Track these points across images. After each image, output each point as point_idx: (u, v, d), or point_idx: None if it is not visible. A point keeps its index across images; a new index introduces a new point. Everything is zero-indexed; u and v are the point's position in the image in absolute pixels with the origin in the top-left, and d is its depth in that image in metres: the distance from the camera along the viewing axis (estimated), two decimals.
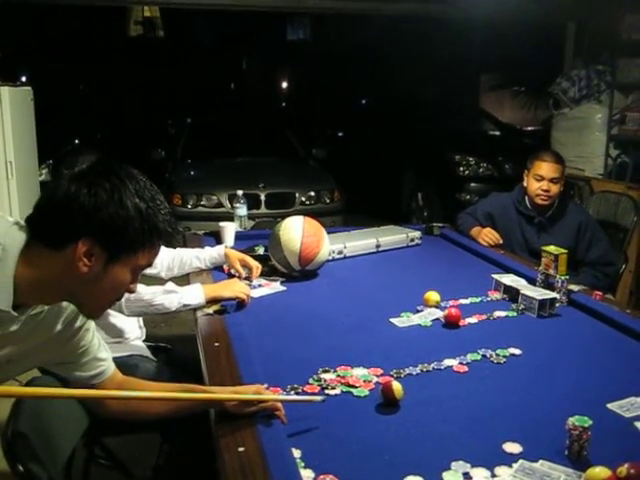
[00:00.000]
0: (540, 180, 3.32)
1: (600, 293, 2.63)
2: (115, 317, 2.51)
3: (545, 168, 3.33)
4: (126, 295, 2.27)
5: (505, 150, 7.01)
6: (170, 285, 2.48)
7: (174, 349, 2.81)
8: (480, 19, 6.80)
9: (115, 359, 2.46)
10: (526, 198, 3.43)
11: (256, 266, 2.82)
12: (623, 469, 1.41)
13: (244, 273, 2.80)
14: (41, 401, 1.80)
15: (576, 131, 6.00)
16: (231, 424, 1.58)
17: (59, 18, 10.13)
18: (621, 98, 5.80)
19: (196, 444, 2.32)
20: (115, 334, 2.54)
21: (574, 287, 2.64)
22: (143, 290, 2.38)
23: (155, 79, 12.31)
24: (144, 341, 2.70)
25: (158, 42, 14.18)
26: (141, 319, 2.68)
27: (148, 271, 2.80)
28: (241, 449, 1.46)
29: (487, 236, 3.42)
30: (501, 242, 3.41)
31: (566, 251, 2.63)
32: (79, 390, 1.64)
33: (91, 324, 1.66)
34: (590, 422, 1.52)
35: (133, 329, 2.61)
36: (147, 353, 2.60)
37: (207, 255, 2.89)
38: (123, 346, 2.55)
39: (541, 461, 1.50)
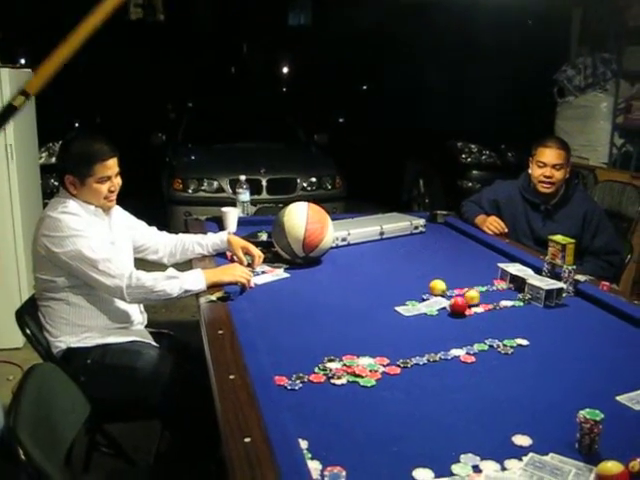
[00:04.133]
0: (543, 166, 3.29)
1: (607, 284, 2.61)
2: (114, 303, 2.49)
3: (548, 154, 3.29)
4: (127, 281, 2.25)
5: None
6: (171, 271, 2.45)
7: (176, 335, 2.79)
8: (485, 5, 6.73)
9: (118, 345, 2.45)
10: (531, 185, 3.40)
11: (258, 255, 2.79)
12: (636, 464, 1.39)
13: (246, 261, 2.77)
14: (43, 389, 1.78)
15: (581, 120, 5.95)
16: (237, 414, 1.55)
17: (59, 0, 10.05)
18: (627, 87, 5.74)
19: (197, 431, 2.31)
20: (118, 319, 2.52)
21: (581, 277, 2.61)
22: (144, 276, 2.36)
23: (155, 63, 12.21)
24: (146, 327, 2.69)
25: (159, 26, 14.08)
26: (141, 305, 2.66)
27: (150, 257, 2.80)
28: (247, 439, 1.43)
29: (492, 224, 3.39)
30: (506, 231, 3.38)
31: (574, 241, 2.60)
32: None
33: None
34: (602, 416, 1.49)
35: (135, 314, 2.59)
36: (149, 339, 2.58)
37: (210, 241, 2.86)
38: (126, 332, 2.53)
39: (551, 454, 1.48)
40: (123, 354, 2.44)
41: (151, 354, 2.47)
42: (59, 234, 2.34)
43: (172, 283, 2.38)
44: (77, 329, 2.44)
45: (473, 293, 2.44)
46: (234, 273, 2.51)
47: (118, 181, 2.52)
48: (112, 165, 2.47)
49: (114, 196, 2.54)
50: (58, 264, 2.37)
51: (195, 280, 2.43)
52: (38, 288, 2.48)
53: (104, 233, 2.50)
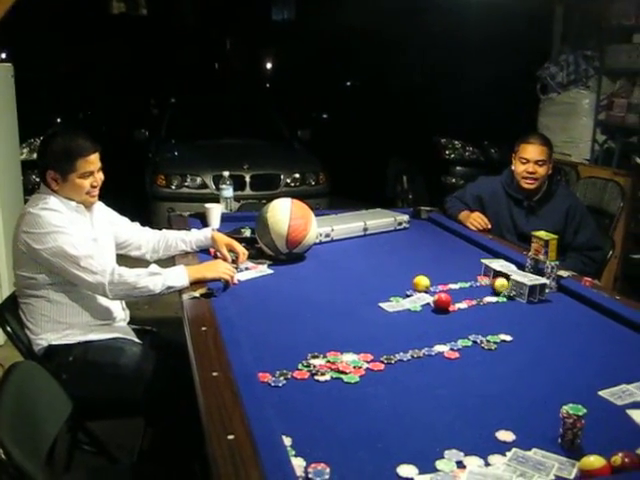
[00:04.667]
0: (526, 163, 3.31)
1: (590, 279, 2.62)
2: (96, 300, 2.47)
3: (530, 150, 3.31)
4: (109, 278, 2.23)
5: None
6: (154, 267, 2.44)
7: (159, 332, 2.78)
8: (469, 3, 6.74)
9: (100, 341, 2.43)
10: (515, 181, 3.42)
11: (243, 252, 2.78)
12: (617, 458, 1.40)
13: (230, 258, 2.75)
14: (24, 387, 1.76)
15: (563, 116, 5.98)
16: (220, 411, 1.54)
17: None
18: (609, 84, 5.78)
19: (181, 428, 2.30)
20: (100, 316, 2.50)
21: (564, 273, 2.63)
22: (127, 273, 2.34)
23: (138, 58, 12.13)
24: (129, 324, 2.67)
25: (141, 20, 13.99)
26: (123, 302, 2.64)
27: (133, 253, 2.78)
28: (231, 437, 1.43)
29: (476, 220, 3.40)
30: (489, 227, 3.39)
31: (556, 237, 2.61)
32: None
33: None
34: (584, 410, 1.50)
35: (117, 311, 2.58)
36: (132, 336, 2.56)
37: (193, 238, 2.85)
38: (108, 328, 2.51)
39: (534, 449, 1.48)
40: (105, 351, 2.42)
41: (134, 351, 2.46)
42: (40, 230, 2.32)
43: (155, 279, 2.36)
44: (58, 326, 2.42)
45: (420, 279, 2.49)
46: (217, 269, 2.50)
47: (100, 176, 2.50)
48: (94, 160, 2.46)
49: (96, 191, 2.52)
50: (39, 261, 2.35)
51: (178, 276, 2.41)
52: (19, 285, 2.45)
53: (86, 230, 2.48)
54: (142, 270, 2.38)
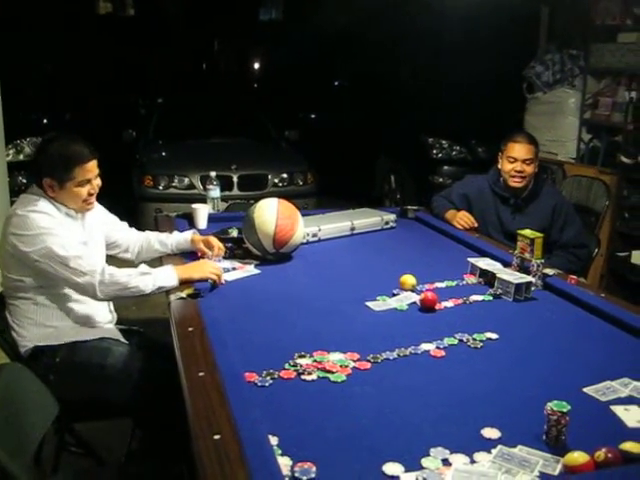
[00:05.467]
0: (513, 162, 3.33)
1: (575, 277, 2.64)
2: (83, 303, 2.46)
3: (518, 149, 3.33)
4: (99, 278, 2.21)
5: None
6: (143, 267, 2.44)
7: (146, 332, 2.77)
8: (455, 2, 6.77)
9: (87, 342, 2.42)
10: (501, 180, 3.43)
11: (218, 246, 2.79)
12: (601, 453, 1.41)
13: (210, 253, 2.76)
14: (10, 389, 1.76)
15: (549, 115, 6.00)
16: (207, 411, 1.54)
17: None
18: (594, 83, 5.80)
19: (169, 429, 2.29)
20: (87, 320, 2.49)
21: (549, 271, 2.64)
22: (118, 273, 2.33)
23: (125, 59, 12.09)
24: (116, 324, 2.66)
25: (128, 21, 13.94)
26: (111, 304, 2.63)
27: (121, 254, 2.77)
28: (217, 437, 1.43)
29: (462, 219, 3.41)
30: (476, 225, 3.41)
31: (542, 235, 2.63)
32: None
33: None
34: (568, 407, 1.51)
35: (103, 314, 2.57)
36: (119, 336, 2.55)
37: (173, 240, 2.84)
38: (94, 330, 2.50)
39: (519, 446, 1.49)
40: (92, 352, 2.41)
41: (121, 351, 2.45)
42: (28, 232, 2.30)
43: (145, 279, 2.36)
44: (44, 329, 2.40)
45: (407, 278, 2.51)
46: (204, 270, 2.50)
47: (98, 183, 2.47)
48: (92, 168, 2.43)
49: (93, 199, 2.49)
50: (27, 263, 2.33)
51: (167, 276, 2.41)
52: (5, 287, 2.44)
53: (77, 232, 2.45)
54: (132, 270, 2.38)
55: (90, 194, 2.45)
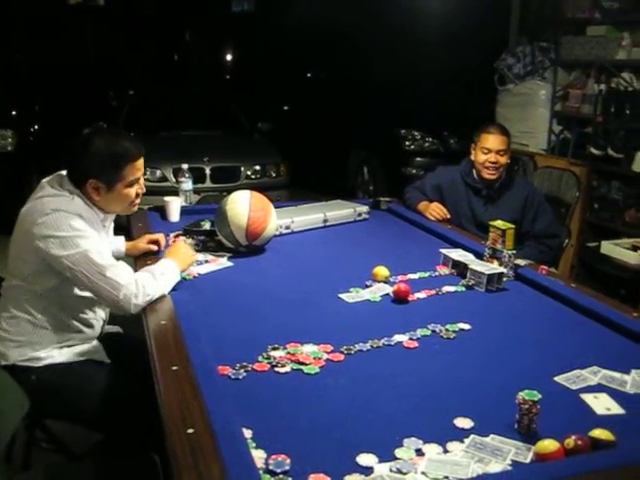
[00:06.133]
0: (487, 153, 3.35)
1: (546, 267, 2.66)
2: (73, 317, 2.27)
3: (492, 140, 3.35)
4: (134, 291, 2.08)
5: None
6: (153, 268, 2.25)
7: (125, 333, 2.60)
8: None
9: (67, 365, 2.23)
10: (473, 171, 3.46)
11: (160, 237, 2.74)
12: (570, 441, 1.43)
13: (155, 247, 2.70)
14: None
15: (520, 107, 6.05)
16: (180, 405, 1.53)
17: None
18: (564, 75, 5.86)
19: (141, 421, 2.27)
20: (70, 337, 2.29)
21: (521, 262, 2.67)
22: (145, 282, 2.15)
23: (95, 49, 11.93)
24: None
25: (98, 10, 13.75)
26: (107, 314, 2.46)
27: None
28: (190, 431, 1.42)
29: (435, 211, 3.43)
30: (449, 217, 3.42)
31: (513, 226, 2.65)
32: None
33: None
34: (539, 396, 1.53)
35: (89, 330, 2.34)
36: (102, 355, 2.36)
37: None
38: (76, 348, 2.30)
39: (492, 435, 1.51)
40: (71, 376, 2.22)
41: (102, 378, 2.25)
42: (61, 234, 2.08)
43: (162, 283, 2.20)
44: (30, 350, 2.20)
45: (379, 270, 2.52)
46: (186, 260, 2.43)
47: (143, 181, 2.32)
48: (141, 165, 2.26)
49: (139, 200, 2.32)
50: (57, 268, 2.11)
51: (175, 274, 2.30)
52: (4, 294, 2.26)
53: (105, 241, 2.30)
54: (148, 275, 2.19)
55: (137, 194, 2.29)
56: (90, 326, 2.33)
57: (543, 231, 3.37)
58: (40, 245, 2.09)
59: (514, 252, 2.62)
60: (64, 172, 2.24)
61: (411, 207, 3.59)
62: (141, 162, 2.26)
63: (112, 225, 2.46)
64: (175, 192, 3.71)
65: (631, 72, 5.23)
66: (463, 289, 2.50)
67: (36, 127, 7.95)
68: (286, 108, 9.94)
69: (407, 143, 7.03)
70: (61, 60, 11.00)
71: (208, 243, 2.89)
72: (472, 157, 3.45)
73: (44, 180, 2.24)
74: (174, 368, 1.72)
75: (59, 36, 11.31)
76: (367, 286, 2.48)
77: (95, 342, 2.38)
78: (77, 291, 2.22)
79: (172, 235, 2.99)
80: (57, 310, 2.22)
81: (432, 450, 1.46)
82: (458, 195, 3.49)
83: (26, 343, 2.20)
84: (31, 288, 2.19)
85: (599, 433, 1.46)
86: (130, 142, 2.24)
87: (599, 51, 5.36)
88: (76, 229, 2.09)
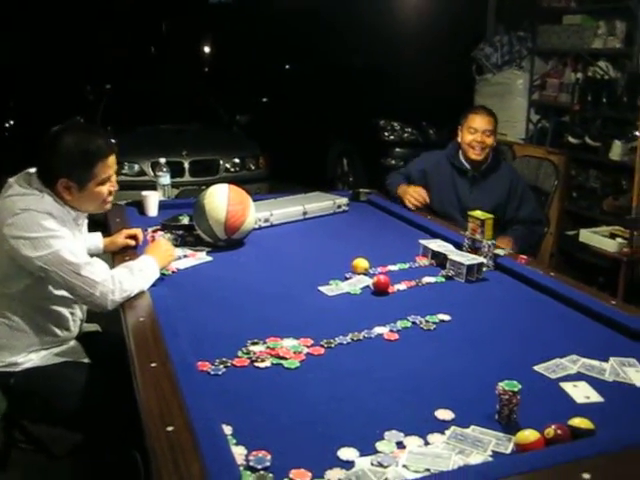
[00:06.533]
0: (474, 132, 3.34)
1: (525, 257, 2.67)
2: (50, 319, 2.23)
3: (478, 120, 3.35)
4: (111, 287, 2.07)
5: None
6: (132, 264, 2.23)
7: (104, 330, 2.60)
8: None
9: (44, 368, 2.20)
10: (460, 153, 3.45)
11: (139, 231, 2.72)
12: (550, 430, 1.43)
13: (133, 242, 2.68)
14: None
15: (498, 96, 6.07)
16: (159, 402, 1.52)
17: None
18: (541, 64, 5.89)
19: (121, 419, 2.25)
20: (48, 339, 2.24)
21: (500, 251, 2.67)
22: (121, 278, 2.12)
23: (71, 42, 11.79)
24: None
25: (74, 2, 13.59)
26: (84, 313, 2.42)
27: None
28: (170, 428, 1.41)
29: (412, 196, 3.39)
30: (427, 201, 3.40)
31: (492, 216, 2.65)
32: None
33: None
34: (519, 386, 1.53)
35: (65, 332, 2.30)
36: (81, 354, 2.33)
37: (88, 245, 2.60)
38: (58, 349, 2.27)
39: (473, 427, 1.51)
40: (49, 380, 2.18)
41: (81, 380, 2.21)
42: (31, 235, 2.03)
43: (140, 280, 2.18)
44: (8, 355, 2.17)
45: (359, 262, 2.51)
46: (166, 258, 2.41)
47: (115, 179, 2.25)
48: (113, 163, 2.20)
49: (111, 198, 2.27)
50: (29, 270, 2.07)
51: (154, 271, 2.27)
52: None
53: (80, 239, 2.26)
54: (125, 270, 2.17)
55: (110, 192, 2.24)
56: (67, 327, 2.29)
57: (528, 217, 3.38)
58: (11, 246, 2.05)
59: (493, 242, 2.62)
60: (32, 170, 2.19)
61: (391, 192, 3.57)
62: (113, 159, 2.21)
63: (86, 222, 2.41)
64: (153, 186, 3.68)
65: (607, 61, 5.27)
66: (443, 280, 2.50)
67: (11, 122, 7.86)
68: (265, 100, 9.90)
69: (386, 134, 7.02)
70: (36, 54, 10.88)
71: (187, 238, 2.86)
72: (459, 138, 3.44)
73: (11, 179, 2.18)
74: (153, 365, 1.70)
75: (33, 29, 11.17)
76: (347, 278, 2.48)
77: (73, 342, 2.34)
78: (52, 290, 2.17)
79: (150, 230, 2.96)
80: (32, 311, 2.18)
81: (413, 442, 1.45)
82: (443, 177, 3.46)
83: (4, 347, 2.16)
84: (4, 291, 2.15)
85: (578, 422, 1.46)
86: (101, 139, 2.19)
87: (575, 40, 5.39)
88: (47, 229, 2.05)
